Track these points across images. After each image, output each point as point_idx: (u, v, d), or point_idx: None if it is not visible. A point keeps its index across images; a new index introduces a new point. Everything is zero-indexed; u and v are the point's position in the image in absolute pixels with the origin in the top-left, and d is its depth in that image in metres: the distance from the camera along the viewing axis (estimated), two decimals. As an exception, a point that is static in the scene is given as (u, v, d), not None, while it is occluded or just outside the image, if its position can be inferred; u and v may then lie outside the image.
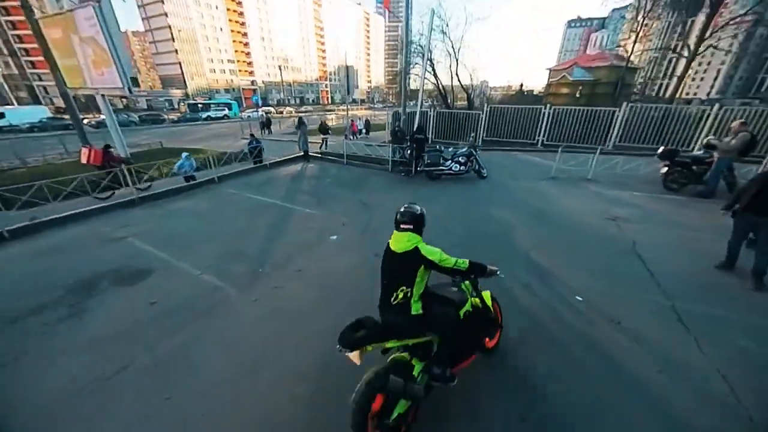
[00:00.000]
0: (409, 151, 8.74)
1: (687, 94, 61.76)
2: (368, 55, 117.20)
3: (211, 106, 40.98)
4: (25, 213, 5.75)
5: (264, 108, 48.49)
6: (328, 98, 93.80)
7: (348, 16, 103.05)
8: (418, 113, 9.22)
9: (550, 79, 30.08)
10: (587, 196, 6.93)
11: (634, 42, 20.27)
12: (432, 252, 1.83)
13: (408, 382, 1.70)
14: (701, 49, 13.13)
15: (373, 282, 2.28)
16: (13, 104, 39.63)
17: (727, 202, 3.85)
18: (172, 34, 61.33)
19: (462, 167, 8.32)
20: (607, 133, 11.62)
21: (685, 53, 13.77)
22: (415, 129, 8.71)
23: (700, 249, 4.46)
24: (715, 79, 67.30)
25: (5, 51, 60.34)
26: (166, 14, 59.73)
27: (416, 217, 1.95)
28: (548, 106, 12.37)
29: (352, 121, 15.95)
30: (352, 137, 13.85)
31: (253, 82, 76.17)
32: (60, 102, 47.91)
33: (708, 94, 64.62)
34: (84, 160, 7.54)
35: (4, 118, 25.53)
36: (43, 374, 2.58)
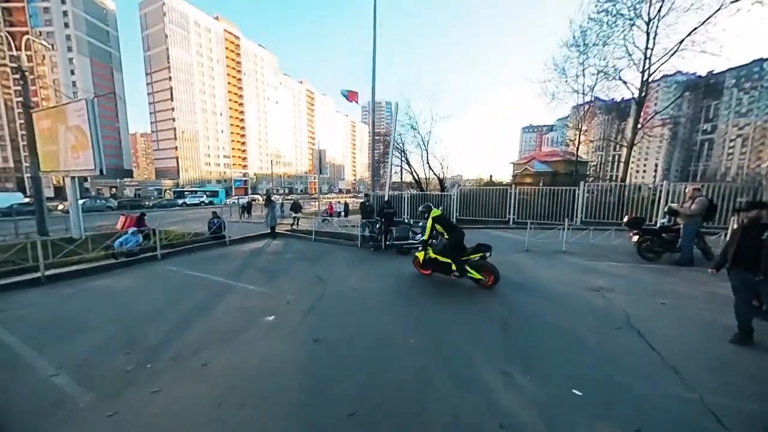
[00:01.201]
0: (377, 226, 8.41)
1: (634, 180, 70.60)
2: (354, 153, 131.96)
3: (186, 194, 42.50)
4: None
5: (252, 195, 50.56)
6: (315, 188, 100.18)
7: (337, 124, 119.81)
8: (387, 188, 9.34)
9: (515, 171, 33.87)
10: (565, 267, 6.45)
11: (578, 142, 23.81)
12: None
13: None
14: (637, 139, 15.29)
15: (304, 383, 1.44)
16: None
17: (714, 261, 3.43)
18: (175, 134, 67.87)
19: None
20: (571, 210, 12.13)
21: (624, 143, 15.93)
22: (383, 203, 8.63)
23: (703, 319, 3.78)
24: (656, 169, 78.57)
25: (8, 147, 63.77)
26: (174, 119, 67.30)
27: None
28: (514, 186, 13.14)
29: (330, 203, 16.21)
30: (330, 219, 13.77)
31: (245, 174, 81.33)
32: (49, 191, 48.32)
33: (653, 181, 74.23)
34: (119, 226, 8.88)
35: None
36: None
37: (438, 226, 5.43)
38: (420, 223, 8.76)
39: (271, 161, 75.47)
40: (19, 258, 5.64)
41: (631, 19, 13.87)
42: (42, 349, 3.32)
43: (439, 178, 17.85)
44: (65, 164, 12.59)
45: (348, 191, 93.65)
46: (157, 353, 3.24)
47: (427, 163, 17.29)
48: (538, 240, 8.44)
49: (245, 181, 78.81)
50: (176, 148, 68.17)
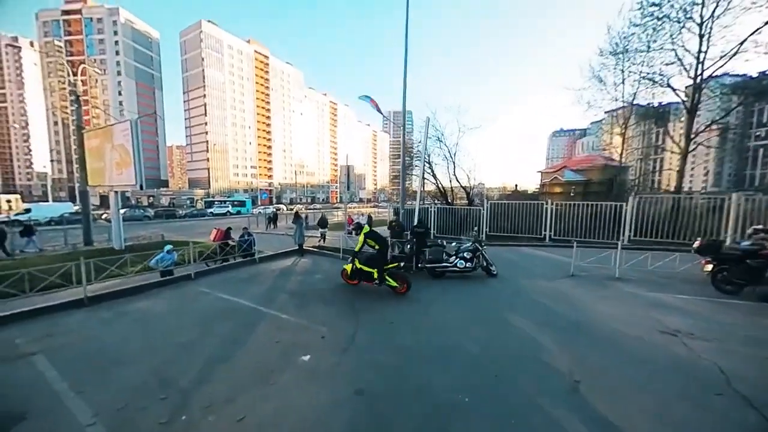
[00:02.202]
0: (408, 246, 8.04)
1: (683, 188, 65.20)
2: (375, 162, 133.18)
3: (215, 203, 44.33)
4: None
5: (276, 205, 52.08)
6: (336, 198, 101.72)
7: (358, 133, 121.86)
8: (417, 207, 8.97)
9: (543, 180, 32.23)
10: (624, 300, 5.72)
11: (622, 149, 22.26)
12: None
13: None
14: (691, 147, 14.02)
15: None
16: (48, 201, 43.30)
17: None
18: (207, 146, 71.84)
19: (468, 264, 7.41)
20: (614, 227, 11.11)
21: (677, 150, 14.68)
22: (415, 222, 8.27)
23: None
24: (706, 175, 72.35)
25: (63, 160, 70.38)
26: (207, 132, 71.37)
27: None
28: (550, 201, 12.33)
29: (350, 216, 16.10)
30: (352, 232, 13.62)
31: (270, 184, 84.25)
32: (95, 199, 52.51)
33: (703, 188, 68.17)
34: (212, 237, 9.92)
35: (30, 212, 27.32)
36: None
37: (369, 241, 6.33)
38: (452, 244, 8.33)
39: (295, 171, 77.73)
40: (62, 278, 5.82)
41: (680, 22, 12.85)
42: (80, 387, 3.23)
43: (466, 190, 17.27)
44: (110, 179, 13.46)
45: (369, 200, 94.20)
46: (191, 398, 3.04)
47: (454, 174, 16.80)
48: (584, 263, 7.68)
49: (270, 190, 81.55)
50: (208, 159, 72.06)
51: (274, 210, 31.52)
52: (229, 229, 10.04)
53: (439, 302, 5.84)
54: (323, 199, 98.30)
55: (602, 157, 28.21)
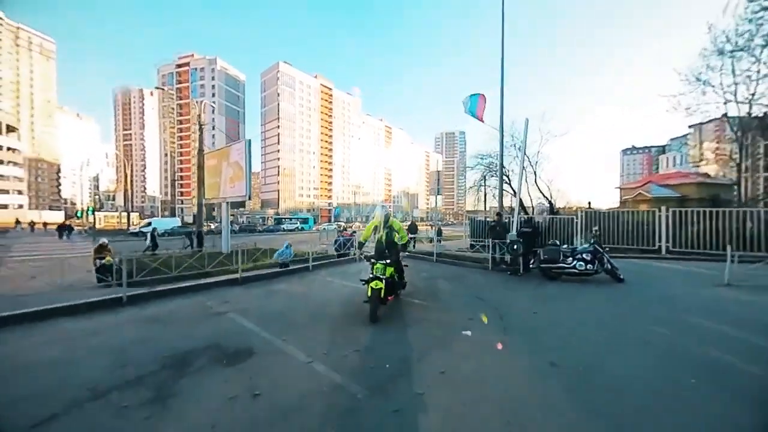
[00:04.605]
0: (515, 247, 7.71)
1: None
2: (428, 182, 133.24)
3: (284, 220, 49.16)
4: (142, 288, 5.94)
5: (337, 222, 56.03)
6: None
7: (412, 155, 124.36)
8: (516, 209, 8.66)
9: (623, 197, 29.32)
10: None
11: (741, 159, 18.91)
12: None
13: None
14: None
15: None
16: (158, 217, 52.79)
17: None
18: (278, 171, 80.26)
19: (589, 266, 6.79)
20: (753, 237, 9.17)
21: None
22: (523, 221, 7.95)
23: None
24: None
25: (168, 184, 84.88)
26: (278, 158, 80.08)
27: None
28: (665, 208, 10.85)
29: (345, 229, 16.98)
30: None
31: (329, 204, 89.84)
32: (187, 218, 61.86)
33: None
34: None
35: (150, 225, 33.48)
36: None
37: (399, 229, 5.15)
38: (563, 246, 7.75)
39: (353, 192, 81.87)
40: (203, 264, 6.89)
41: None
42: (281, 336, 3.71)
43: (550, 201, 16.17)
44: (223, 192, 15.81)
45: (422, 219, 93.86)
46: (382, 354, 3.26)
47: (535, 184, 15.94)
48: (740, 276, 6.42)
49: (329, 210, 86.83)
50: (278, 182, 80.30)
51: (337, 226, 33.89)
52: (354, 232, 10.79)
53: (563, 298, 5.41)
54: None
55: (698, 173, 24.61)
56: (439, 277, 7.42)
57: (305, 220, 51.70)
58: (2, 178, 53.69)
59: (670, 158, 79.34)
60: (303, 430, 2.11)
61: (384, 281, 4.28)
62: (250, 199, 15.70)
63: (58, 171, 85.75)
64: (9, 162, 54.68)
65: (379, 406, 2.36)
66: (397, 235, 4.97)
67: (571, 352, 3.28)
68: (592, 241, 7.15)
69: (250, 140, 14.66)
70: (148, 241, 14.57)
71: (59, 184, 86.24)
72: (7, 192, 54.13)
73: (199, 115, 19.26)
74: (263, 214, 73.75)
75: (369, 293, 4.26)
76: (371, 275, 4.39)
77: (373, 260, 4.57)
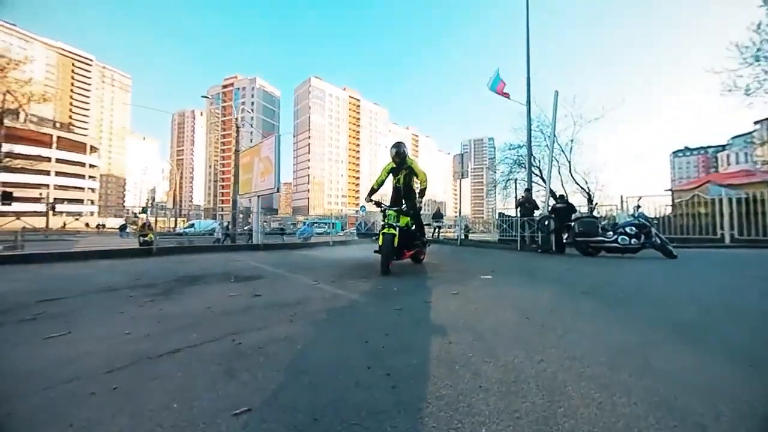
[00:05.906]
0: (545, 222, 7.11)
1: None
2: (455, 189, 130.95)
3: (313, 224, 51.73)
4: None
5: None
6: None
7: (439, 162, 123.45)
8: (548, 185, 8.07)
9: (677, 199, 26.34)
10: None
11: None
12: None
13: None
14: None
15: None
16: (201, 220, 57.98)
17: None
18: (308, 180, 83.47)
19: (633, 240, 6.04)
20: None
21: None
22: (557, 197, 7.36)
23: None
24: None
25: (211, 194, 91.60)
26: (309, 167, 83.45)
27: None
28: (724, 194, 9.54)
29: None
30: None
31: (357, 211, 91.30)
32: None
33: None
34: None
35: (193, 227, 36.73)
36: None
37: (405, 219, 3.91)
38: (602, 223, 7.02)
39: (380, 199, 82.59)
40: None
41: None
42: (292, 272, 3.66)
43: (588, 193, 14.93)
44: (255, 187, 16.59)
45: (450, 226, 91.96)
46: (393, 280, 3.08)
47: (570, 174, 14.81)
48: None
49: (356, 218, 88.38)
50: (308, 190, 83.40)
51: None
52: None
53: (612, 274, 4.81)
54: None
55: (765, 171, 21.47)
56: (461, 253, 7.05)
57: (333, 225, 53.49)
58: (83, 190, 62.71)
59: (732, 155, 70.71)
60: (296, 314, 1.99)
61: (398, 230, 3.54)
62: (278, 191, 16.37)
63: (124, 184, 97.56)
64: (89, 177, 63.97)
65: (379, 306, 2.18)
66: (416, 179, 4.06)
67: (609, 289, 2.86)
68: (636, 214, 6.40)
69: (278, 135, 15.34)
70: (219, 235, 16.11)
71: (124, 195, 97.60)
72: (82, 201, 62.51)
73: (236, 118, 20.61)
74: (293, 220, 76.80)
75: (380, 241, 3.52)
76: (382, 223, 3.69)
77: (383, 207, 3.78)
